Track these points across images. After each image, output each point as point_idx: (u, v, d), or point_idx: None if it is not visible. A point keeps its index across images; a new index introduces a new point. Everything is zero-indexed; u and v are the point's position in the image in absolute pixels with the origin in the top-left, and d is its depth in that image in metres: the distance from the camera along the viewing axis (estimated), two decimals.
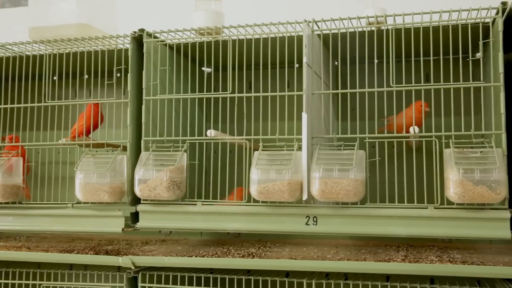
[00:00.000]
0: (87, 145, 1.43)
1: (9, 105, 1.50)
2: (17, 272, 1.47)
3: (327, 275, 1.41)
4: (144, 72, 1.39)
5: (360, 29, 1.31)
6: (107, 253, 1.42)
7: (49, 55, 1.46)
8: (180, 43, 1.44)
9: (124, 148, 1.41)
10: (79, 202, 1.42)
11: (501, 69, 1.15)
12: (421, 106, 1.30)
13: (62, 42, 1.45)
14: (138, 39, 1.42)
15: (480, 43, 1.20)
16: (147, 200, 1.36)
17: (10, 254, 1.43)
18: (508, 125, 1.17)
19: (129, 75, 1.40)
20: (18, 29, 1.62)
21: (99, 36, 1.44)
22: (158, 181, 1.31)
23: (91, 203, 1.39)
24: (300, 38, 1.31)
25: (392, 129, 1.34)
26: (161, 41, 1.41)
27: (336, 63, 1.44)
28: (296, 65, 1.54)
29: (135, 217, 1.39)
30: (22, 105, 1.49)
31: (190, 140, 1.37)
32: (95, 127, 1.52)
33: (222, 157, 1.39)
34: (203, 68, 1.64)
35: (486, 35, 1.26)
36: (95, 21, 1.47)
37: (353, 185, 1.19)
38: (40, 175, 1.61)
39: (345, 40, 1.33)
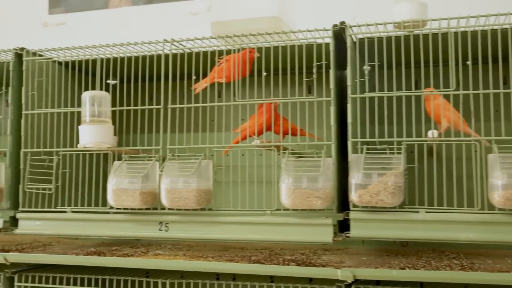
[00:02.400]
0: (285, 148, 1.33)
1: (192, 105, 1.40)
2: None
3: None
4: (348, 68, 1.28)
5: None
6: (307, 264, 1.30)
7: (236, 50, 1.36)
8: (373, 38, 1.32)
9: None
10: (278, 209, 1.31)
11: None
12: None
13: (252, 37, 1.35)
14: (337, 33, 1.32)
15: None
16: (357, 206, 1.25)
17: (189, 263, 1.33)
18: None
19: (331, 71, 1.30)
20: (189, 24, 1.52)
21: (291, 30, 1.34)
22: (382, 186, 1.20)
23: (300, 210, 1.28)
24: None
25: None
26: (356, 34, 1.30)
27: None
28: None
29: (341, 225, 1.29)
30: (208, 104, 1.38)
31: (407, 141, 1.25)
32: (268, 128, 1.42)
33: (447, 160, 1.28)
34: (364, 67, 1.52)
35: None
36: (284, 14, 1.36)
37: None
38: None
39: None
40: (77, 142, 1.47)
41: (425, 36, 1.29)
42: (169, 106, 1.40)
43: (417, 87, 1.34)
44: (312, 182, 1.24)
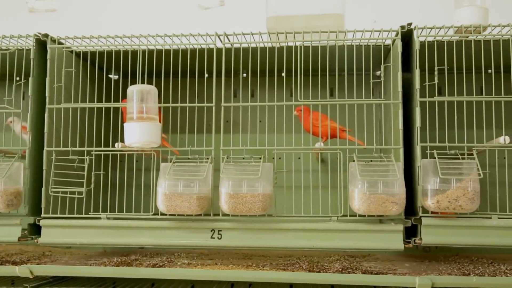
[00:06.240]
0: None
1: (249, 103, 1.31)
2: None
3: None
4: (417, 71, 1.26)
5: None
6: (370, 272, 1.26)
7: (298, 47, 1.29)
8: (442, 41, 1.31)
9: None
10: (344, 215, 1.26)
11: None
12: None
13: (316, 34, 1.28)
14: (405, 34, 1.29)
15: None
16: (427, 212, 1.23)
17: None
18: None
19: (398, 73, 1.27)
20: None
21: (358, 29, 1.30)
22: (461, 192, 1.18)
23: (367, 216, 1.23)
24: None
25: None
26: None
27: None
28: None
29: (407, 231, 1.26)
30: (267, 103, 1.30)
31: (478, 147, 1.25)
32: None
33: None
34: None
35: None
36: (346, 12, 1.31)
37: None
38: None
39: None
40: (112, 141, 1.35)
41: (486, 42, 1.30)
42: (223, 104, 1.31)
43: (482, 93, 1.34)
44: (388, 187, 1.20)
